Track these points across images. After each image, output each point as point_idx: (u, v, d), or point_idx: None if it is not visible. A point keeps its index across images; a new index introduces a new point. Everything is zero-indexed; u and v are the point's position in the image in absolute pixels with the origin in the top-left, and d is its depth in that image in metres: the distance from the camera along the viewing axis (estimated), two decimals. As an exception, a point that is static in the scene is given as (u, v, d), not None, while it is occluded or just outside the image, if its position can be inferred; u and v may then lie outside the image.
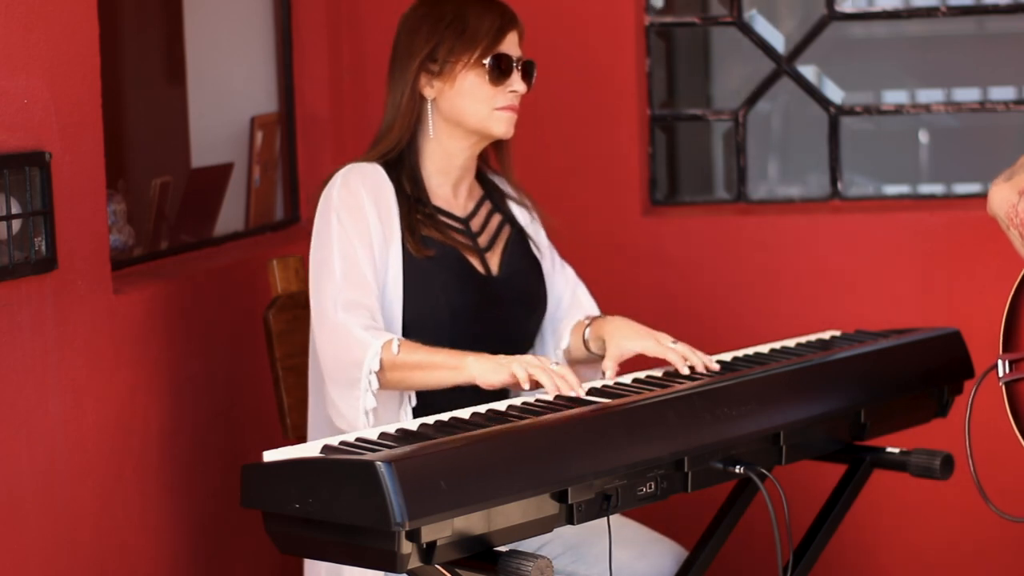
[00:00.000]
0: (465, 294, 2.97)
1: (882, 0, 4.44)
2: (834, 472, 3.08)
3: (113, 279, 3.07)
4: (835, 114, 4.15)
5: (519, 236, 3.12)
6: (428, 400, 2.89)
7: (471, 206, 3.09)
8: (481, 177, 3.15)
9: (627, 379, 2.81)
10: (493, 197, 3.15)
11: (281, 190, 4.10)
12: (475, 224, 3.07)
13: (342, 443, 2.43)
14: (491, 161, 3.16)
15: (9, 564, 2.73)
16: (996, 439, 3.19)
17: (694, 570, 2.98)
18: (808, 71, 4.40)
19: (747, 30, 4.19)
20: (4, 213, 2.72)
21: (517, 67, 2.99)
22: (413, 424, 2.54)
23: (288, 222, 4.09)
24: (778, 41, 4.28)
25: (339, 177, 2.97)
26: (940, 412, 3.12)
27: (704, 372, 2.86)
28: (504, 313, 3.02)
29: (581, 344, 3.08)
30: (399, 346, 2.80)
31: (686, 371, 2.86)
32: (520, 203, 3.17)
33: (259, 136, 3.96)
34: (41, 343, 2.81)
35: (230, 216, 3.88)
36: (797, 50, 4.17)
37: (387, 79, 3.05)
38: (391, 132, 3.02)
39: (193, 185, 3.75)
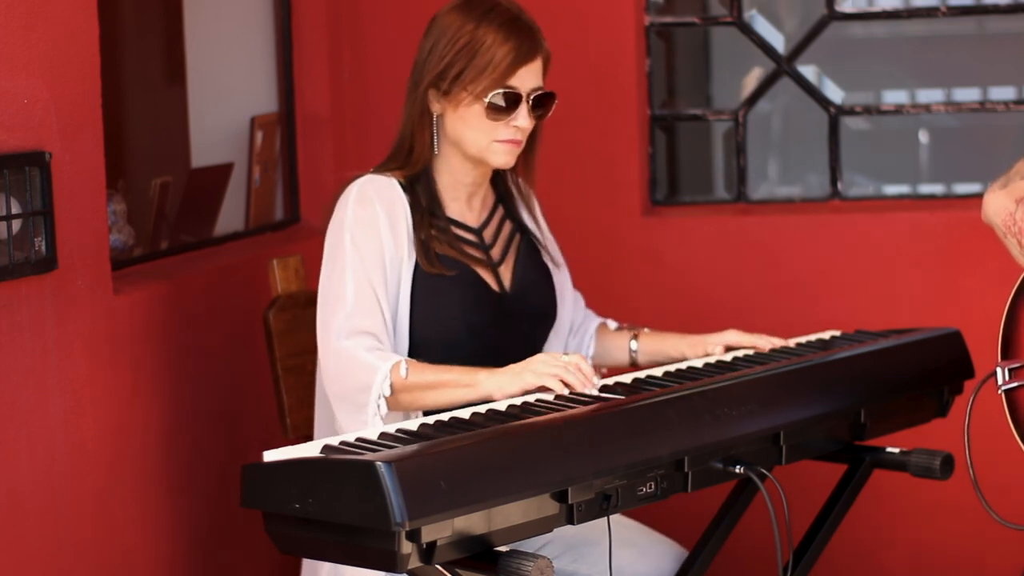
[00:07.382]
0: (480, 312, 2.93)
1: (882, 0, 4.44)
2: (834, 472, 3.08)
3: (113, 279, 3.07)
4: (835, 114, 4.15)
5: (530, 246, 3.08)
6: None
7: (484, 215, 3.05)
8: (496, 180, 3.08)
9: (627, 379, 2.81)
10: (507, 203, 3.10)
11: (281, 190, 4.10)
12: (488, 234, 3.03)
13: (342, 443, 2.43)
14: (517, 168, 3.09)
15: (9, 564, 2.73)
16: (995, 439, 3.19)
17: (694, 570, 2.98)
18: (808, 71, 4.39)
19: (747, 30, 4.19)
20: (4, 213, 2.71)
21: (527, 100, 2.89)
22: (413, 424, 2.54)
23: (288, 222, 4.08)
24: (778, 41, 4.28)
25: (354, 191, 2.91)
26: (940, 412, 3.12)
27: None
28: (516, 328, 2.99)
29: (625, 355, 3.16)
30: (407, 368, 2.76)
31: (771, 346, 3.04)
32: (526, 206, 3.12)
33: (259, 136, 3.96)
34: (41, 343, 2.81)
35: (230, 216, 3.88)
36: (797, 50, 4.17)
37: (407, 80, 2.98)
38: (414, 149, 2.95)
39: (193, 185, 3.75)
